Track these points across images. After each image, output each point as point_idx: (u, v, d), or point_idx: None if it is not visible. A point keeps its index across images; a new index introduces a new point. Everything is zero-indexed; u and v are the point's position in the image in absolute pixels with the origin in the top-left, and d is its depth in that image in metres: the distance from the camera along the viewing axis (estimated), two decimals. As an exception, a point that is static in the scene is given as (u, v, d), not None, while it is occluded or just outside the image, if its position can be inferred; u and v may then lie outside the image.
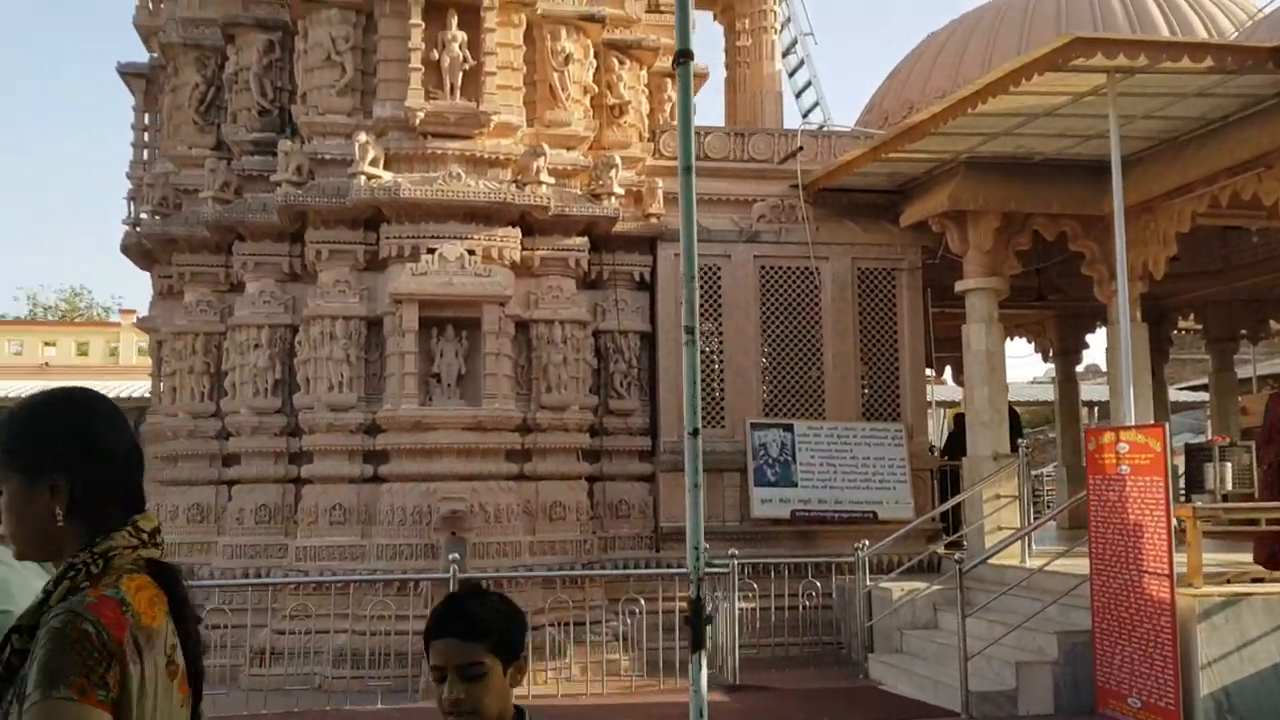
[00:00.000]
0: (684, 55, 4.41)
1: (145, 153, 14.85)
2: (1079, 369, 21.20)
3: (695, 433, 4.26)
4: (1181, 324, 21.21)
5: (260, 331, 12.75)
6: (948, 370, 21.37)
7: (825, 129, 15.47)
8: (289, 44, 13.20)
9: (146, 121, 14.97)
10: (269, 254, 12.85)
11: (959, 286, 13.16)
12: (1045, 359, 21.44)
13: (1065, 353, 19.95)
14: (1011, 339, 21.38)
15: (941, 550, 13.31)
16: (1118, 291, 10.60)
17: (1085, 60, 9.52)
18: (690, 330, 4.29)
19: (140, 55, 15.17)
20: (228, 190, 12.85)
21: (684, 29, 4.46)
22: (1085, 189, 12.60)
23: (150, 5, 14.90)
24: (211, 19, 13.44)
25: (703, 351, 14.00)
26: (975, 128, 11.78)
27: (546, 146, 12.67)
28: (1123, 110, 10.96)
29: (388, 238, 12.27)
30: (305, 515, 12.21)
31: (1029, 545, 11.91)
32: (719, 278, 14.00)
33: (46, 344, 34.70)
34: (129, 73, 14.79)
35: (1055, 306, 18.66)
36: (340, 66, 12.53)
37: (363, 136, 11.97)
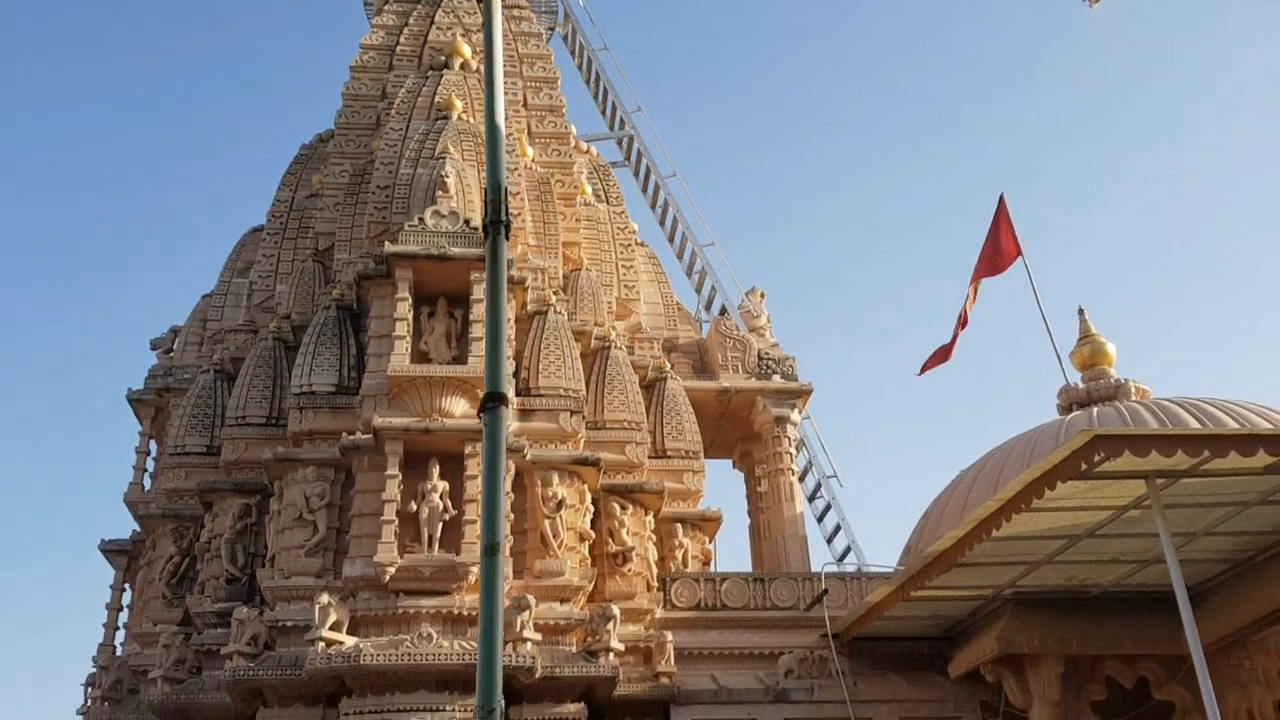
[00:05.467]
0: (494, 399, 3.27)
1: (118, 634, 13.75)
2: None
3: None
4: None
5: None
6: None
7: (861, 571, 14.05)
8: (266, 507, 12.49)
9: (125, 601, 14.03)
10: (219, 742, 11.23)
11: (1029, 748, 11.00)
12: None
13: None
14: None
15: None
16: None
17: (1113, 463, 8.26)
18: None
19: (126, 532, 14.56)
20: (181, 668, 11.53)
21: (495, 371, 3.36)
22: (1159, 624, 10.81)
23: (143, 481, 14.54)
24: (193, 489, 12.90)
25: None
26: (1010, 555, 10.33)
27: (534, 599, 11.33)
28: (1177, 526, 9.51)
29: (347, 714, 10.66)
30: None
31: None
32: (744, 748, 11.93)
33: None
34: (111, 549, 14.12)
35: (1161, 772, 15.83)
36: (312, 525, 11.68)
37: (324, 598, 10.79)
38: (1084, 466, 8.24)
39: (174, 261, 46.95)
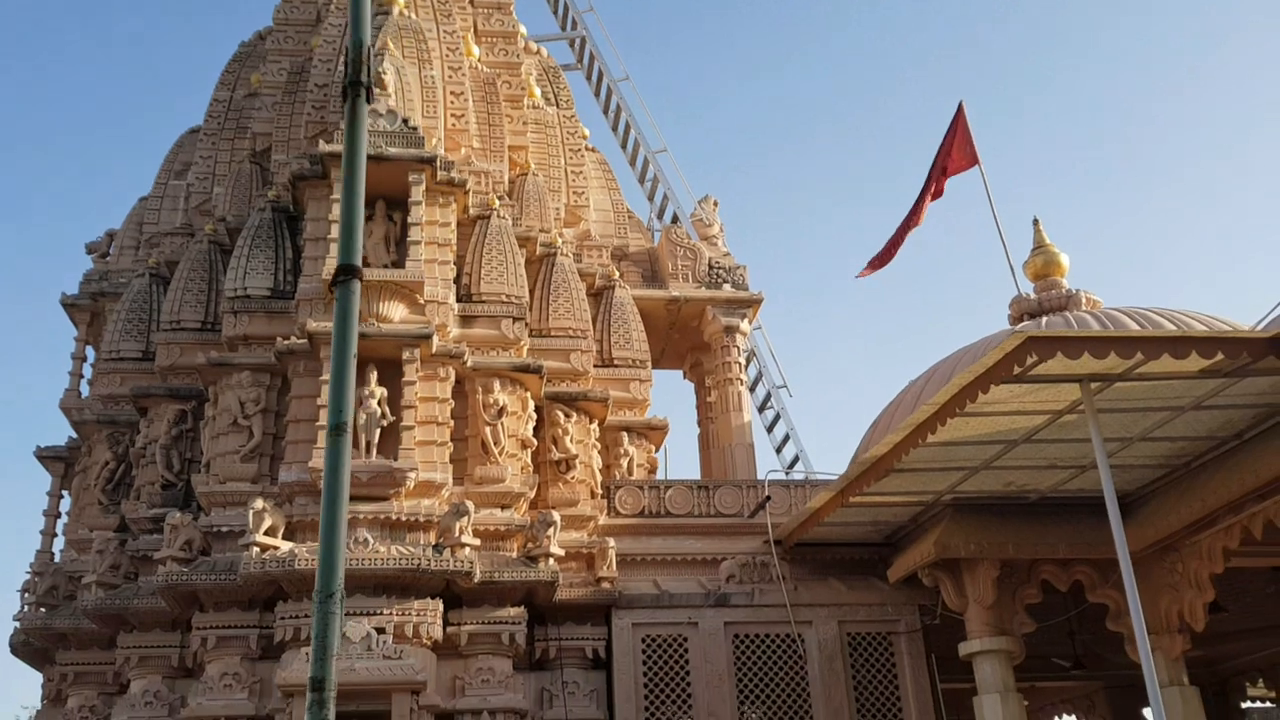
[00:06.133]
0: (346, 271, 3.08)
1: (55, 540, 13.59)
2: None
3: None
4: (1253, 692, 18.41)
5: (135, 744, 10.79)
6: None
7: (806, 480, 14.06)
8: (202, 413, 12.27)
9: (63, 507, 13.83)
10: (156, 646, 11.17)
11: (962, 650, 11.14)
12: (1102, 739, 18.54)
13: (1122, 730, 17.15)
14: (1059, 718, 18.73)
15: None
16: (1140, 650, 8.60)
17: (1046, 366, 8.18)
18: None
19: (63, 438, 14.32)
20: (117, 574, 11.42)
21: (348, 244, 3.17)
22: (1095, 529, 10.85)
23: (79, 388, 14.25)
24: (129, 395, 12.65)
25: (669, 743, 11.75)
26: (948, 461, 10.31)
27: (473, 505, 11.26)
28: (1112, 431, 9.51)
29: (283, 617, 10.60)
30: None
31: None
32: (685, 651, 12.03)
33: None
34: (47, 456, 13.89)
35: (1100, 675, 16.17)
36: (247, 431, 11.50)
37: (258, 503, 10.66)
38: (1017, 369, 8.15)
39: (111, 164, 45.87)
